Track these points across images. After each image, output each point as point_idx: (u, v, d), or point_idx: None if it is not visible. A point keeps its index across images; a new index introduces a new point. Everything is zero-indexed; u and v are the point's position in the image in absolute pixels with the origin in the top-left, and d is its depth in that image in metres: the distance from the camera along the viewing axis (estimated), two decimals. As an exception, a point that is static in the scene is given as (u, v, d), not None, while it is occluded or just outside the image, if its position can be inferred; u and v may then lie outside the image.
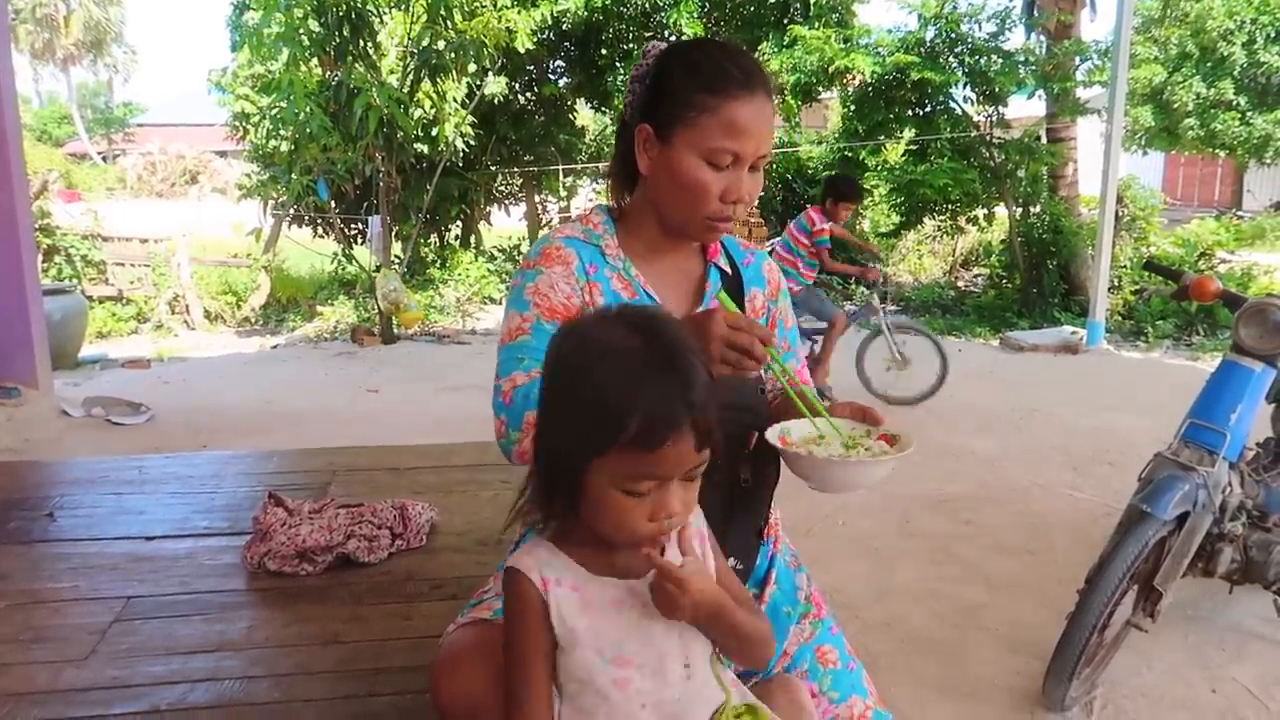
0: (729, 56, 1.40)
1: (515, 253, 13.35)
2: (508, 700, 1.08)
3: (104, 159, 33.70)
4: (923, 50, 10.22)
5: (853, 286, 11.94)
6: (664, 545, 1.08)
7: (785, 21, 11.41)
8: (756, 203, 11.85)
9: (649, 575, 1.05)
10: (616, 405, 0.96)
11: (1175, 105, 15.63)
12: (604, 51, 12.35)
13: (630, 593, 1.06)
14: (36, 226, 10.13)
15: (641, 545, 1.03)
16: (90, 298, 10.05)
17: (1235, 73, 14.88)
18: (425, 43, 8.69)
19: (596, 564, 1.07)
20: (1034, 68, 10.22)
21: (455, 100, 10.18)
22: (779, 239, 6.21)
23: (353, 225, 11.48)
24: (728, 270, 1.55)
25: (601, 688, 1.05)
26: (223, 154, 25.06)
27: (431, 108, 9.68)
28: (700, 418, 0.98)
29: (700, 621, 1.06)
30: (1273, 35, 14.50)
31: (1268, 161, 16.49)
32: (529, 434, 1.29)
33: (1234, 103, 15.07)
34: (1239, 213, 18.52)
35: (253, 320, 11.30)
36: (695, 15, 11.26)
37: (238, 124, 11.37)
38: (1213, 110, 15.33)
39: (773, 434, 1.31)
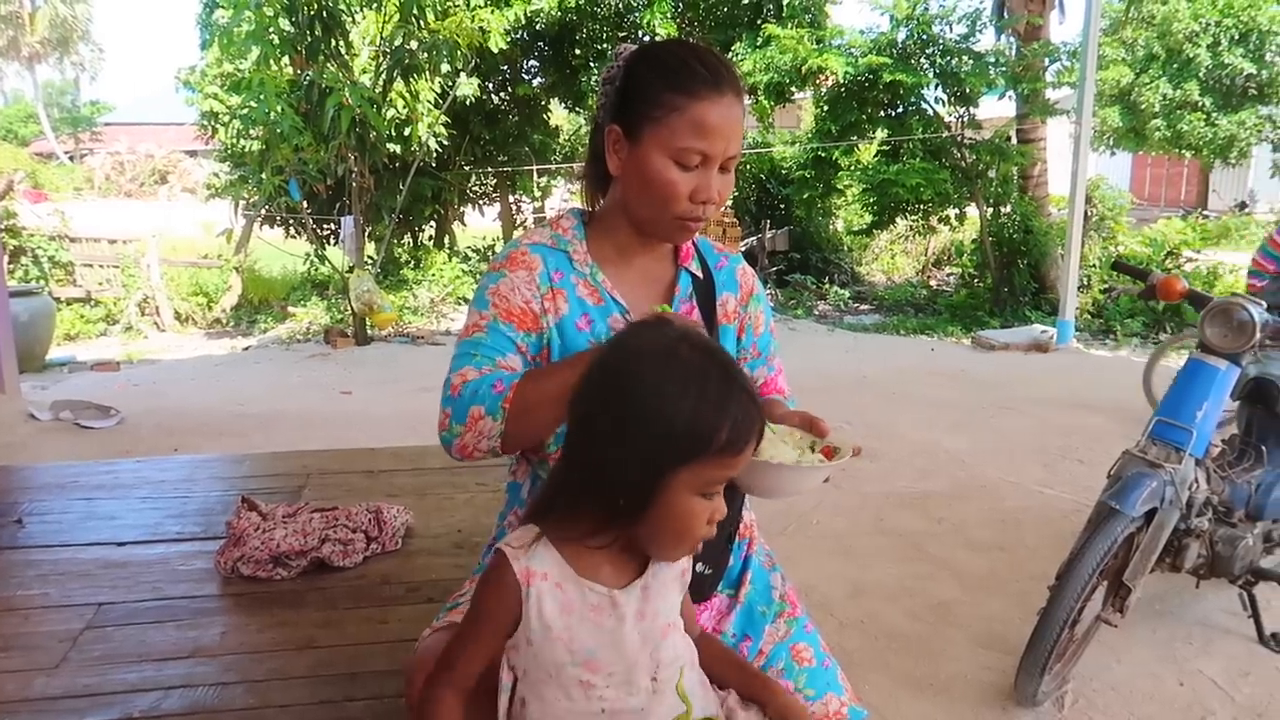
0: (697, 56, 1.40)
1: (489, 253, 13.32)
2: (442, 655, 1.13)
3: (71, 158, 33.16)
4: (895, 51, 10.31)
5: (826, 286, 12.03)
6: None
7: (759, 22, 11.47)
8: (730, 204, 11.85)
9: (633, 584, 1.10)
10: (711, 418, 1.03)
11: (1142, 106, 15.84)
12: (578, 52, 12.35)
13: (612, 602, 1.09)
14: (2, 227, 10.02)
15: (689, 553, 1.13)
16: (58, 299, 9.93)
17: (1200, 74, 15.11)
18: (398, 42, 8.65)
19: (585, 567, 1.09)
20: (1004, 69, 10.34)
21: (428, 100, 10.14)
22: (1258, 248, 5.40)
23: (325, 226, 11.40)
24: (699, 275, 1.55)
25: (565, 684, 1.08)
26: (193, 153, 24.76)
27: (404, 107, 9.64)
28: (763, 420, 1.10)
29: None
30: (1236, 38, 14.74)
31: (1232, 162, 16.75)
32: (471, 429, 1.30)
33: (1199, 104, 15.30)
34: (1205, 212, 18.80)
35: (224, 322, 11.20)
36: (668, 15, 11.28)
37: (207, 123, 11.27)
38: (1179, 111, 15.55)
39: None
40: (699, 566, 1.40)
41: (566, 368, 1.27)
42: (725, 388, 1.05)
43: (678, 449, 1.02)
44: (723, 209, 12.33)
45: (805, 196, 12.17)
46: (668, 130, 1.36)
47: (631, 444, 1.03)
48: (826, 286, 12.09)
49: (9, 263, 10.14)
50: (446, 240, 13.83)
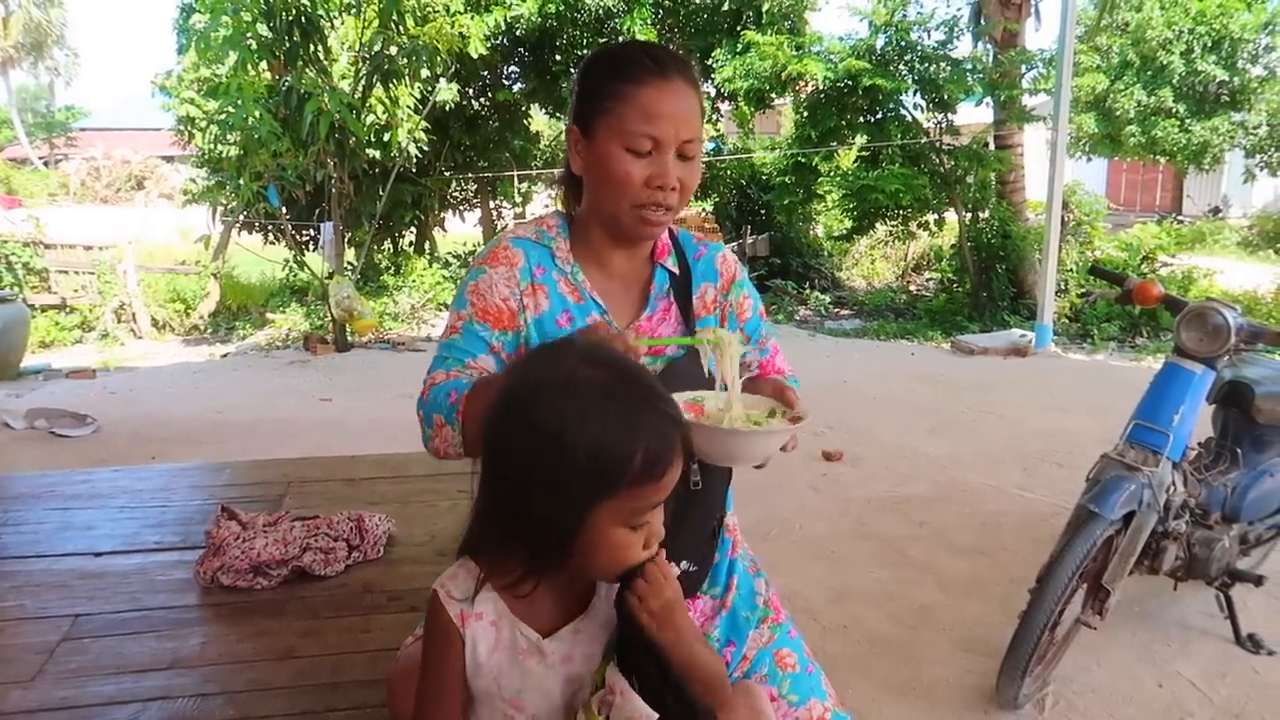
0: (644, 48, 1.43)
1: (470, 258, 13.27)
2: (415, 714, 1.10)
3: (46, 164, 32.83)
4: (873, 58, 10.37)
5: (806, 292, 12.07)
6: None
7: (738, 28, 11.51)
8: (711, 209, 11.79)
9: (563, 630, 1.08)
10: (620, 447, 0.96)
11: (1117, 113, 16.01)
12: (558, 57, 12.36)
13: (539, 649, 1.07)
14: (-25, 234, 9.90)
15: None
16: (32, 306, 9.82)
17: (1174, 81, 15.30)
18: (377, 48, 8.61)
19: (522, 606, 1.07)
20: (981, 76, 10.42)
21: (408, 106, 10.11)
22: None
23: (305, 231, 11.34)
24: (675, 271, 1.55)
25: (493, 713, 1.08)
26: (170, 159, 24.58)
27: (384, 113, 9.60)
28: (685, 434, 1.03)
29: (660, 626, 1.06)
30: (1209, 45, 14.93)
31: (1206, 168, 16.97)
32: (438, 434, 1.34)
33: (1173, 110, 15.48)
34: (1179, 217, 19.03)
35: (202, 328, 11.11)
36: (648, 22, 11.30)
37: (184, 128, 11.18)
38: (1153, 118, 15.73)
39: (682, 400, 1.26)
40: (684, 564, 1.40)
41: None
42: (633, 408, 0.99)
43: (590, 485, 0.96)
44: (703, 214, 12.39)
45: (785, 202, 12.21)
46: (617, 120, 1.38)
47: (541, 485, 0.97)
48: (807, 292, 12.13)
49: (-18, 270, 10.03)
50: (427, 246, 13.78)
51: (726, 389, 1.35)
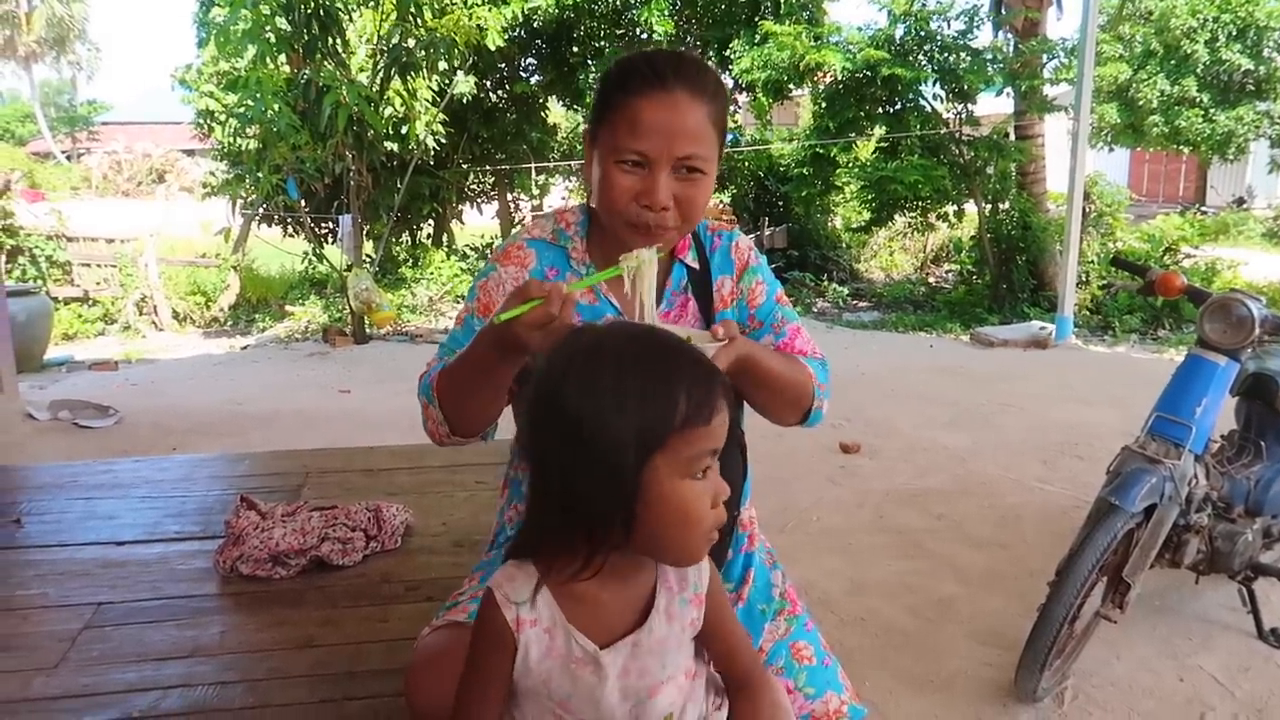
0: (648, 57, 1.38)
1: (488, 251, 13.31)
2: (457, 707, 1.08)
3: (68, 158, 33.17)
4: (892, 47, 10.30)
5: (824, 284, 12.03)
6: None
7: (756, 19, 11.45)
8: (729, 201, 11.63)
9: (621, 643, 1.05)
10: (662, 392, 0.97)
11: (1140, 102, 15.81)
12: (575, 49, 12.34)
13: (595, 661, 1.05)
14: (-1, 227, 10.01)
15: (706, 543, 1.03)
16: (55, 299, 9.92)
17: (1198, 70, 15.08)
18: (395, 40, 8.63)
19: (579, 615, 1.05)
20: (1002, 65, 10.33)
21: (426, 98, 10.12)
22: None
23: (323, 224, 11.39)
24: (695, 266, 1.53)
25: (540, 713, 1.07)
26: (190, 153, 24.74)
27: (402, 105, 9.62)
28: (725, 380, 1.04)
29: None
30: (1234, 33, 14.71)
31: (1230, 158, 16.72)
32: (429, 417, 1.39)
33: (1197, 100, 15.27)
34: (1203, 208, 18.80)
35: (222, 321, 11.19)
36: (666, 13, 11.25)
37: (203, 122, 11.25)
38: (1176, 107, 15.52)
39: None
40: None
41: (472, 346, 1.28)
42: (665, 360, 0.99)
43: (640, 439, 0.95)
44: (720, 206, 12.35)
45: (804, 194, 12.15)
46: (610, 130, 1.36)
47: (593, 457, 0.96)
48: (825, 284, 12.08)
49: (6, 262, 10.12)
50: (445, 238, 13.81)
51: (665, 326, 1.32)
